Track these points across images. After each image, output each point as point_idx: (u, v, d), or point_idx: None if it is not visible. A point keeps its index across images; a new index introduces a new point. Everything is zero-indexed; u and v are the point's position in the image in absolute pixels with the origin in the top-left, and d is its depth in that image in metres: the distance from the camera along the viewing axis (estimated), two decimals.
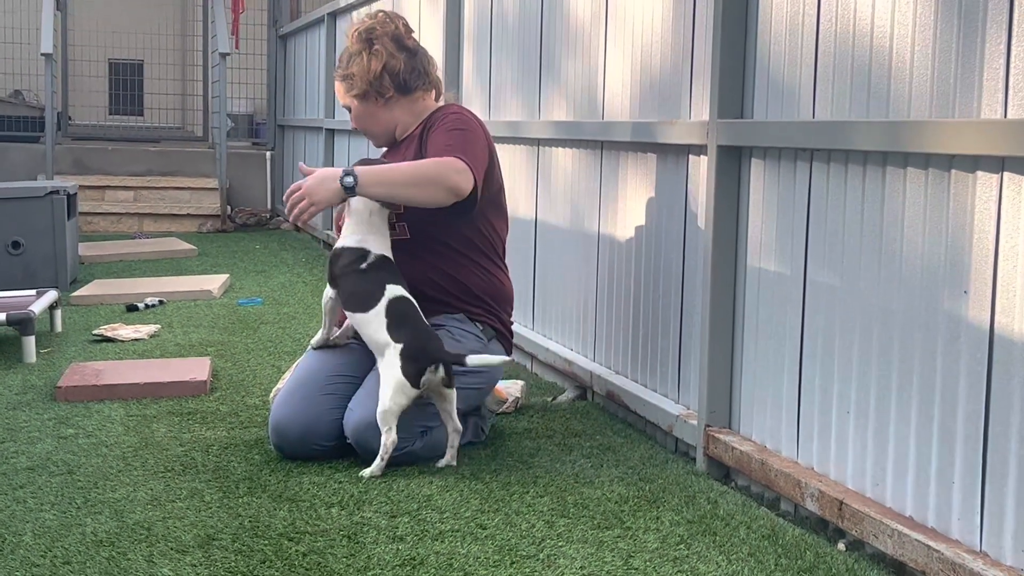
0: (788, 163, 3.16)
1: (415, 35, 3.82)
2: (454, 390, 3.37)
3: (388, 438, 3.31)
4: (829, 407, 2.99)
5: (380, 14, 3.76)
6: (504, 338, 3.77)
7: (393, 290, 3.38)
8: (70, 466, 3.45)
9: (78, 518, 2.99)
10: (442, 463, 3.43)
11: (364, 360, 3.59)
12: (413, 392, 3.29)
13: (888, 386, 2.76)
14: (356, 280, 3.42)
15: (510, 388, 4.23)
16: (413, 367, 3.29)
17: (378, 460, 3.32)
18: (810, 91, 3.06)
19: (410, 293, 3.45)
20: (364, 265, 3.43)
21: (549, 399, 4.41)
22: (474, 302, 3.69)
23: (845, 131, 2.83)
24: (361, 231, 3.46)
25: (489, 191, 3.65)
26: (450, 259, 3.66)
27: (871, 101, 2.81)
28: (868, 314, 2.83)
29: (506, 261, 3.87)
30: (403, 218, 3.61)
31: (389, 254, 3.47)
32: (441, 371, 3.31)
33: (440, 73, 3.91)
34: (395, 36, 3.71)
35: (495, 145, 3.75)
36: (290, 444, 3.47)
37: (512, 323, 3.85)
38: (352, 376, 3.56)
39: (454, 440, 3.44)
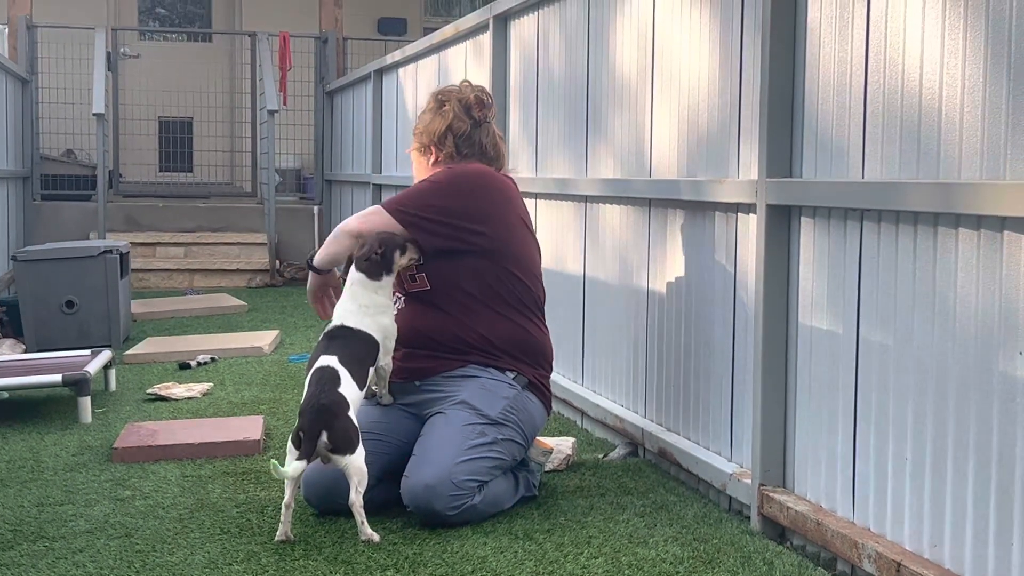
0: (838, 222, 3.17)
1: (491, 111, 3.95)
2: (349, 457, 3.28)
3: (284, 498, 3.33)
4: (885, 466, 2.98)
5: (465, 83, 3.99)
6: (538, 391, 3.78)
7: (323, 360, 3.44)
8: (128, 529, 3.49)
9: None
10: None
11: (401, 421, 3.71)
12: (295, 456, 3.28)
13: (944, 446, 2.75)
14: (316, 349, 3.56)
15: (561, 445, 4.23)
16: (296, 428, 3.33)
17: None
18: (859, 150, 3.07)
19: (432, 346, 3.61)
20: (322, 335, 3.56)
21: (600, 456, 4.41)
22: (501, 353, 3.72)
23: (895, 192, 2.84)
24: (342, 301, 3.61)
25: (496, 242, 3.68)
26: (473, 310, 3.70)
27: (921, 161, 2.82)
28: (922, 373, 2.83)
29: (545, 315, 3.89)
30: (422, 269, 3.70)
31: (355, 323, 3.53)
32: (324, 437, 3.28)
33: (505, 150, 4.01)
34: (465, 103, 3.89)
35: (519, 200, 3.82)
36: (318, 498, 3.56)
37: (548, 377, 3.86)
38: (381, 434, 3.65)
39: (359, 515, 3.32)
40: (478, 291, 3.70)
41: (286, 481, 3.31)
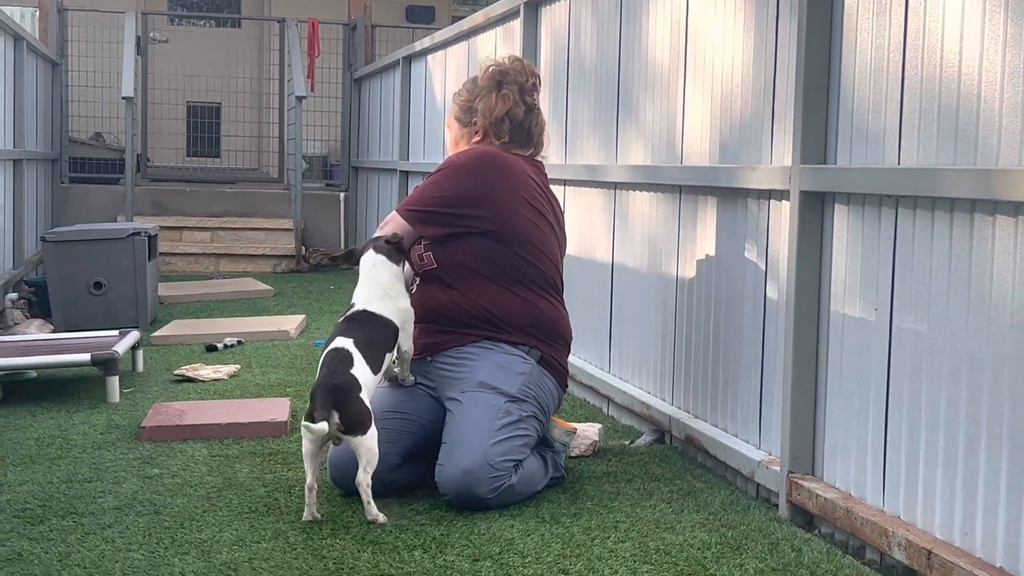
0: (873, 209, 3.15)
1: (539, 93, 3.95)
2: (360, 438, 3.30)
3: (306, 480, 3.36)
4: (916, 454, 2.96)
5: (517, 61, 3.94)
6: (552, 367, 3.77)
7: (338, 342, 3.47)
8: (156, 506, 3.51)
9: (166, 558, 3.04)
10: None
11: (423, 400, 3.72)
12: (309, 435, 3.32)
13: (977, 433, 2.73)
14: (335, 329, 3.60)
15: (587, 431, 4.23)
16: (309, 409, 3.36)
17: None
18: (895, 136, 3.05)
19: (442, 320, 3.66)
20: (341, 318, 3.61)
21: (627, 443, 4.40)
22: (510, 328, 3.72)
23: (932, 178, 2.82)
24: (361, 286, 3.65)
25: (497, 224, 3.69)
26: (480, 287, 3.71)
27: (958, 147, 2.80)
28: (956, 360, 2.81)
29: (562, 295, 3.88)
30: (429, 248, 3.74)
31: (376, 307, 3.57)
32: (335, 417, 3.29)
33: (546, 136, 4.00)
34: (522, 88, 3.88)
35: (527, 184, 3.78)
36: (343, 479, 3.57)
37: (564, 355, 3.84)
38: (405, 414, 3.68)
39: (365, 495, 3.34)
40: (483, 269, 3.71)
41: (306, 463, 3.34)
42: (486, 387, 3.60)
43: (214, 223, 11.16)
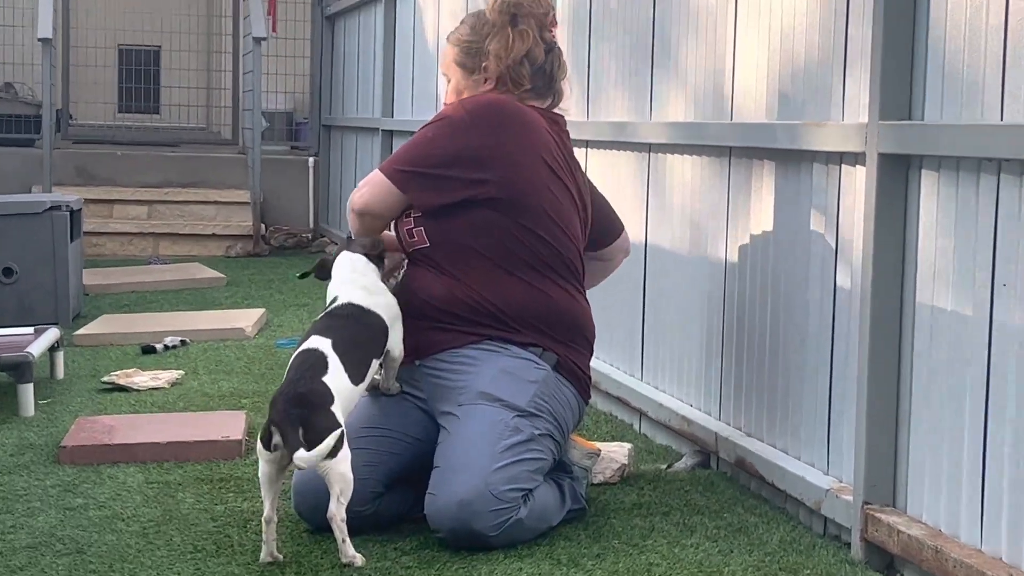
0: (970, 175, 3.14)
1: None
2: (329, 462, 3.26)
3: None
4: (1022, 481, 2.96)
5: None
6: (571, 373, 3.76)
7: (312, 342, 3.48)
8: (79, 544, 3.51)
9: None
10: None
11: (411, 414, 3.72)
12: (265, 454, 3.33)
13: None
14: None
15: (614, 453, 4.23)
16: (264, 430, 3.35)
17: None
18: (997, 87, 3.04)
19: (435, 315, 3.68)
20: (322, 313, 3.62)
21: (663, 467, 4.41)
22: (518, 326, 3.70)
23: None
24: (343, 275, 3.67)
25: (504, 190, 3.68)
26: (483, 272, 3.69)
27: None
28: None
29: (583, 282, 3.88)
30: (420, 222, 3.72)
31: (365, 300, 3.60)
32: (299, 433, 3.28)
33: (567, 83, 3.98)
34: (539, 22, 3.85)
35: (541, 142, 3.76)
36: (311, 509, 3.56)
37: (587, 357, 3.84)
38: (388, 431, 3.68)
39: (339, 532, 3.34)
40: (485, 248, 3.69)
41: (263, 490, 3.34)
42: (489, 399, 3.59)
43: (152, 195, 11.17)
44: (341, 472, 3.30)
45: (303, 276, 3.94)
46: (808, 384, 3.86)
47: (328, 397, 3.35)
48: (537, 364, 3.69)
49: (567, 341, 3.76)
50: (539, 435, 3.60)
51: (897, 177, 3.39)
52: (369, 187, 3.75)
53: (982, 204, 3.10)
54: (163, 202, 11.20)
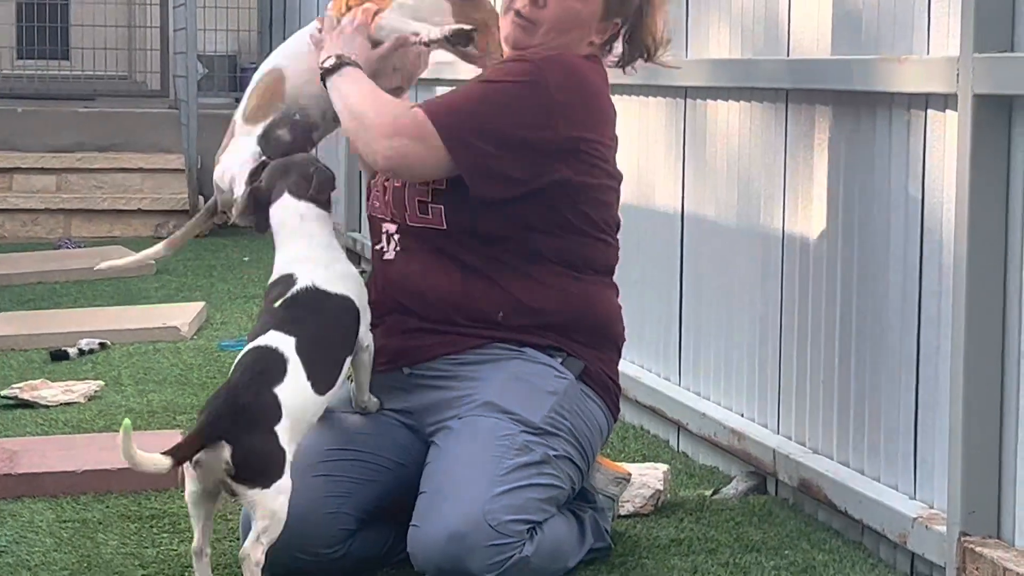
0: None
1: None
2: (257, 492, 3.28)
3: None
4: None
5: None
6: (599, 384, 3.75)
7: (268, 338, 3.44)
8: None
9: None
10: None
11: (392, 433, 3.69)
12: (190, 471, 3.32)
13: None
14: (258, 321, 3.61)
15: (646, 476, 4.23)
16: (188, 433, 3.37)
17: None
18: None
19: (437, 314, 3.64)
20: (271, 297, 3.57)
21: (708, 493, 4.41)
22: (545, 330, 3.69)
23: None
24: (289, 248, 3.61)
25: (579, 176, 3.67)
26: (507, 263, 3.68)
27: None
28: None
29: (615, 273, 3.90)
30: (440, 197, 3.68)
31: (327, 280, 3.56)
32: (226, 452, 3.26)
33: None
34: None
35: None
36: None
37: (616, 364, 3.85)
38: (360, 451, 3.64)
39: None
40: (521, 240, 3.68)
41: (191, 513, 3.34)
42: (495, 409, 3.57)
43: (62, 162, 11.16)
44: (272, 509, 3.27)
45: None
46: (888, 389, 3.86)
47: (274, 414, 3.33)
48: (558, 372, 3.67)
49: (596, 346, 3.77)
50: (555, 456, 3.57)
51: (999, 124, 3.37)
52: (413, 142, 3.61)
53: None
54: (75, 170, 11.19)
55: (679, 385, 5.08)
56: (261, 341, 3.45)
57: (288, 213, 3.61)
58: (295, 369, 3.40)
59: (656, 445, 5.00)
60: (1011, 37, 3.34)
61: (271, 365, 3.39)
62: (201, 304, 7.59)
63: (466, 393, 3.63)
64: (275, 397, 3.34)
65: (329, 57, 3.68)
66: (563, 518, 3.64)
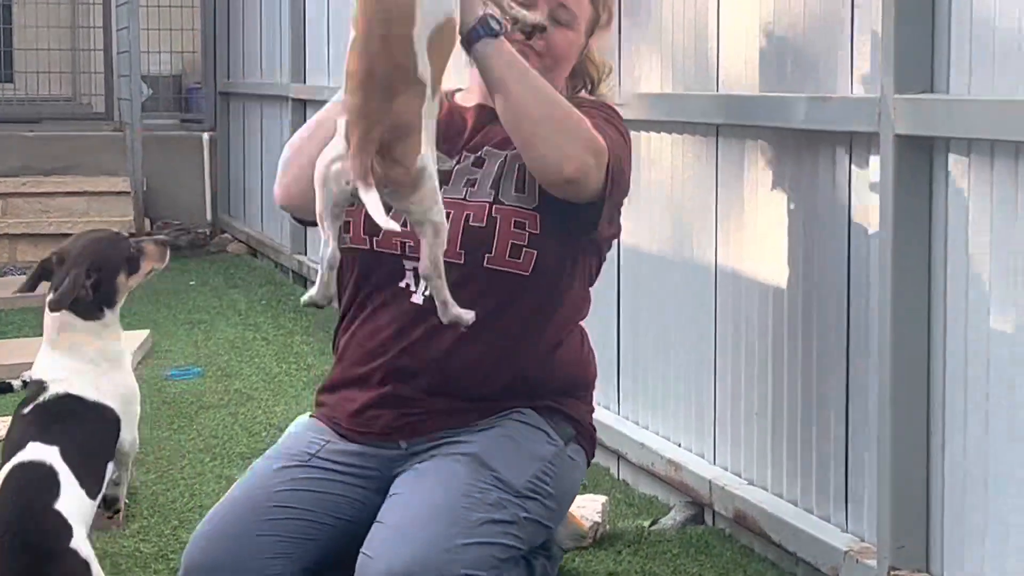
0: (1007, 161, 3.17)
1: None
2: None
3: None
4: None
5: None
6: (586, 436, 3.69)
7: (30, 452, 3.33)
8: None
9: None
10: None
11: (336, 486, 3.48)
12: None
13: None
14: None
15: (584, 507, 4.24)
16: None
17: None
18: None
19: (460, 388, 3.43)
20: (23, 407, 3.46)
21: (646, 524, 4.41)
22: (553, 394, 3.61)
23: None
24: (49, 355, 3.53)
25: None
26: (553, 323, 3.57)
27: None
28: None
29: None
30: (535, 243, 3.49)
31: (84, 389, 3.46)
32: None
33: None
34: None
35: None
36: None
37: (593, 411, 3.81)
38: (304, 509, 3.43)
39: None
40: (568, 286, 3.60)
41: None
42: (478, 463, 3.40)
43: (7, 186, 11.11)
44: None
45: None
46: (820, 420, 3.88)
47: (66, 533, 3.23)
48: (550, 439, 3.56)
49: (583, 398, 3.70)
50: (526, 519, 3.42)
51: (920, 163, 3.42)
52: (596, 162, 3.34)
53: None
54: (20, 194, 11.13)
55: (618, 414, 5.08)
56: (23, 457, 3.32)
57: (54, 323, 3.56)
58: (67, 478, 3.30)
59: (596, 473, 4.95)
60: (930, 80, 3.38)
61: (43, 481, 3.28)
62: (146, 332, 7.55)
63: (450, 441, 3.49)
64: (59, 516, 3.24)
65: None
66: (514, 567, 3.46)
